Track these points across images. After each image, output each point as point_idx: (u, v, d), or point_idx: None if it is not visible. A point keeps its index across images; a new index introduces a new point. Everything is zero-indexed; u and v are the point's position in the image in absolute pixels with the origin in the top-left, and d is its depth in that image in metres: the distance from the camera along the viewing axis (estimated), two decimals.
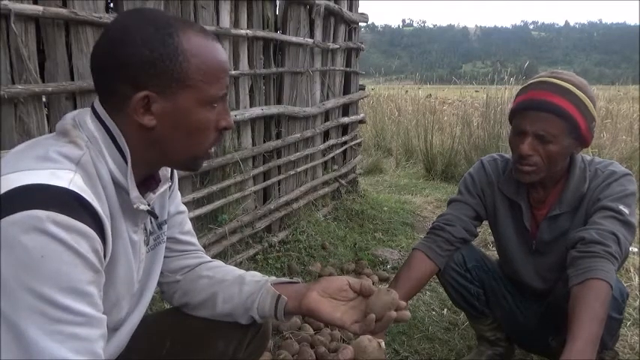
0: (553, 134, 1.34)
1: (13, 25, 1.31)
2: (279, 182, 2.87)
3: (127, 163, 0.79)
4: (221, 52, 0.83)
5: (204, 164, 2.16)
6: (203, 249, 1.15)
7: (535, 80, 1.42)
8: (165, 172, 0.92)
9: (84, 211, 0.68)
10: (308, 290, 0.98)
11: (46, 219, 0.63)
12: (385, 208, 3.76)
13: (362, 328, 0.91)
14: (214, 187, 2.26)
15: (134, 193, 0.80)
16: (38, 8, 1.37)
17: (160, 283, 1.04)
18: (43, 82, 1.46)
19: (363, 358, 0.84)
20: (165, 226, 0.99)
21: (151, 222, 0.94)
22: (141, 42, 0.75)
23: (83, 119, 0.79)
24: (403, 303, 0.93)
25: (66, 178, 0.69)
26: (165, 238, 0.99)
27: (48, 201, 0.65)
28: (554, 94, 1.34)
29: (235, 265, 2.32)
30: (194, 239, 1.11)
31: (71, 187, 0.68)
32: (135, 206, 0.80)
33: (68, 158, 0.73)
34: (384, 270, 2.66)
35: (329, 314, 0.94)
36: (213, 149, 0.88)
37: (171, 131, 0.80)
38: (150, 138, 0.80)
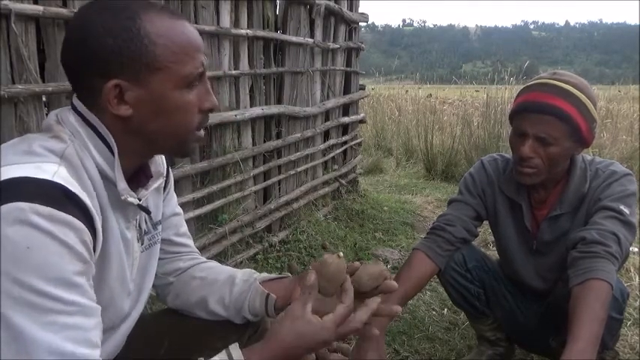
0: (554, 137, 1.34)
1: (13, 25, 1.30)
2: (279, 182, 2.87)
3: (113, 154, 0.77)
4: (189, 29, 0.80)
5: (205, 163, 2.17)
6: (198, 250, 1.14)
7: (536, 82, 1.41)
8: (157, 168, 0.90)
9: (69, 202, 0.67)
10: (295, 287, 0.98)
11: (29, 210, 0.62)
12: (385, 208, 3.76)
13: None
14: (214, 187, 2.26)
15: (122, 184, 0.78)
16: (38, 8, 1.37)
17: (154, 285, 1.03)
18: (43, 81, 1.46)
19: (327, 270, 0.86)
20: (160, 226, 0.98)
21: (146, 222, 0.93)
22: (102, 31, 0.73)
23: (65, 115, 0.78)
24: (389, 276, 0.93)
25: (50, 170, 0.68)
26: (159, 238, 0.99)
27: (31, 193, 0.64)
28: (555, 97, 1.34)
29: (235, 265, 2.33)
30: (189, 241, 1.10)
31: (55, 179, 0.67)
32: (123, 198, 0.78)
33: (52, 151, 0.72)
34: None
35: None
36: (202, 132, 0.85)
37: (149, 118, 0.78)
38: (130, 128, 0.78)
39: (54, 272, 0.64)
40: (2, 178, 0.65)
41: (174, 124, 0.80)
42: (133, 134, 0.79)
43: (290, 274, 1.06)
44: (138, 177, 0.87)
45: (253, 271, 1.07)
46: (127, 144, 0.79)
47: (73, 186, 0.69)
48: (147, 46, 0.74)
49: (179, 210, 1.07)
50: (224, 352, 0.81)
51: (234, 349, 0.81)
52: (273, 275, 1.05)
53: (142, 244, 0.92)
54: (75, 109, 0.78)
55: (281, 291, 0.99)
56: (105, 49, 0.73)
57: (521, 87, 1.48)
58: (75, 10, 1.47)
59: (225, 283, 1.04)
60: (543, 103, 1.34)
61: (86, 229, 0.68)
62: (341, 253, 0.88)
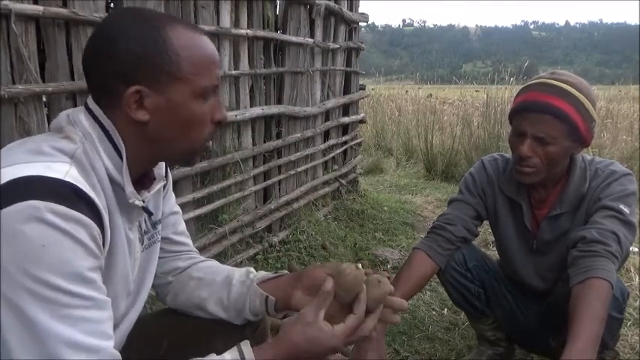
0: (553, 136, 1.34)
1: (13, 25, 1.31)
2: (279, 182, 2.87)
3: (122, 159, 0.79)
4: (209, 44, 0.83)
5: (205, 163, 2.17)
6: (197, 250, 1.15)
7: (535, 81, 1.41)
8: (159, 170, 0.92)
9: (80, 201, 0.69)
10: (294, 289, 0.98)
11: (44, 208, 0.64)
12: (385, 208, 3.76)
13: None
14: (215, 187, 2.26)
15: (129, 188, 0.80)
16: (38, 8, 1.37)
17: (154, 285, 1.04)
18: (44, 82, 1.46)
19: (345, 280, 0.89)
20: (160, 225, 1.00)
21: (146, 221, 0.94)
22: (130, 38, 0.76)
23: (77, 116, 0.79)
24: (392, 288, 0.93)
25: (62, 170, 0.70)
26: (159, 237, 1.00)
27: (44, 192, 0.65)
28: (553, 96, 1.34)
29: (235, 265, 2.33)
30: (188, 240, 1.11)
31: (67, 179, 0.69)
32: (130, 201, 0.80)
33: (62, 152, 0.74)
34: (384, 270, 2.66)
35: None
36: (210, 143, 0.88)
37: (165, 126, 0.80)
38: (145, 134, 0.80)
39: (69, 268, 0.66)
40: (14, 177, 0.66)
41: (188, 133, 0.82)
42: (146, 141, 0.81)
43: (288, 272, 1.06)
44: (142, 180, 0.89)
45: (251, 269, 1.07)
46: (139, 150, 0.81)
47: (83, 185, 0.71)
48: (170, 57, 0.77)
49: (177, 209, 1.08)
50: (235, 348, 0.83)
51: (246, 345, 0.84)
52: (270, 274, 1.05)
53: (142, 244, 0.93)
54: (90, 111, 0.80)
55: (279, 292, 1.00)
56: (130, 55, 0.76)
57: (521, 87, 1.48)
58: (75, 10, 1.47)
59: (222, 285, 1.04)
60: (542, 103, 1.34)
61: (95, 226, 0.70)
62: (359, 265, 0.91)
